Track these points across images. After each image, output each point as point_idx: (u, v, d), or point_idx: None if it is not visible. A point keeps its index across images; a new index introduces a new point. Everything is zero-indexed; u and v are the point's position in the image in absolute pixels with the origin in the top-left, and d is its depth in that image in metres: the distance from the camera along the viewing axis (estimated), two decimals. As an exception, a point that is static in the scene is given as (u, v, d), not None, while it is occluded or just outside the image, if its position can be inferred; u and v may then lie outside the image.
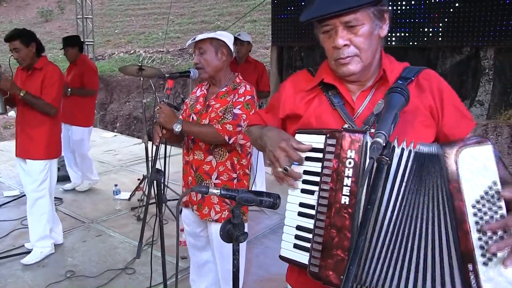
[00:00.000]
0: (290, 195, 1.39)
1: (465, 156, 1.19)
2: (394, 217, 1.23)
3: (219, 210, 2.56)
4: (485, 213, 1.17)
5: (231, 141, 2.44)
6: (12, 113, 11.98)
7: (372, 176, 1.11)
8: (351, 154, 1.27)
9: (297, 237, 1.37)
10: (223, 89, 2.56)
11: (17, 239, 4.24)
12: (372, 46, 1.36)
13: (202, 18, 17.23)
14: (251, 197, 1.40)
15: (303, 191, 1.36)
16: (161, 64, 13.19)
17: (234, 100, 2.48)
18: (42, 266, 3.75)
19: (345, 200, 1.27)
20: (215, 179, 2.56)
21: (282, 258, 1.42)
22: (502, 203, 1.16)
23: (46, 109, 3.61)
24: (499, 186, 1.16)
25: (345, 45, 1.33)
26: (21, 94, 3.47)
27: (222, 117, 2.47)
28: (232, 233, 1.39)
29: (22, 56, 3.63)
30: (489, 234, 1.16)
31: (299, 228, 1.36)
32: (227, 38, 2.57)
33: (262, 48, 12.62)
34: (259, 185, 5.25)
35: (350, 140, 1.28)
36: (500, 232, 1.15)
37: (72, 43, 5.32)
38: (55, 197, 4.13)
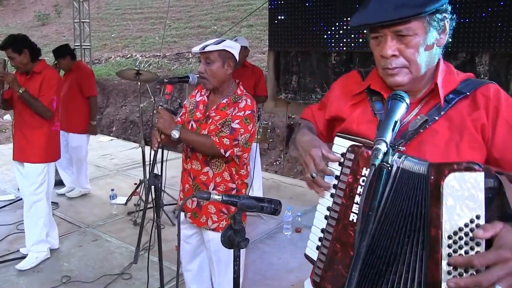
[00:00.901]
0: (321, 197, 1.39)
1: (451, 181, 1.09)
2: (372, 232, 1.19)
3: (216, 220, 2.56)
4: (460, 247, 1.07)
5: (227, 154, 2.43)
6: (7, 117, 11.95)
7: (372, 182, 1.09)
8: (365, 172, 1.25)
9: (320, 239, 1.37)
10: (224, 101, 2.54)
11: (12, 244, 4.22)
12: (424, 57, 1.27)
13: (198, 22, 17.26)
14: (252, 203, 1.41)
15: (333, 195, 1.35)
16: (157, 68, 13.20)
17: (233, 114, 2.46)
18: (38, 271, 3.72)
19: (353, 217, 1.26)
20: (212, 190, 2.55)
21: (306, 256, 1.43)
22: (482, 240, 1.05)
23: (42, 112, 3.61)
24: (482, 221, 1.05)
25: (394, 55, 1.26)
26: (20, 91, 3.46)
27: (220, 129, 2.46)
28: (233, 239, 1.39)
29: (16, 63, 3.65)
30: (460, 270, 1.06)
31: (323, 231, 1.36)
32: (235, 50, 2.52)
33: (259, 53, 12.64)
34: (256, 189, 5.25)
35: (366, 157, 1.25)
36: (471, 270, 1.05)
37: (62, 54, 5.26)
38: (51, 202, 4.11)
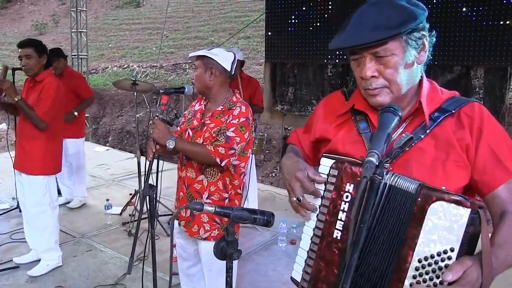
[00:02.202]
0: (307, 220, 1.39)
1: (437, 209, 1.10)
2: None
3: (208, 229, 2.56)
4: (426, 272, 1.10)
5: (223, 164, 2.43)
6: (3, 125, 11.92)
7: (365, 195, 1.09)
8: (349, 188, 1.24)
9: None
10: (219, 108, 2.56)
11: (5, 253, 4.18)
12: (404, 76, 1.27)
13: (196, 33, 17.35)
14: (245, 215, 1.41)
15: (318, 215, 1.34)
16: (154, 78, 13.23)
17: (228, 121, 2.47)
18: (31, 281, 3.69)
19: (337, 234, 1.26)
20: (206, 199, 2.55)
21: (292, 279, 1.42)
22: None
23: (36, 122, 3.55)
24: (454, 254, 1.07)
25: (373, 76, 1.27)
26: (16, 99, 3.45)
27: (216, 138, 2.46)
28: (226, 250, 1.39)
29: (31, 64, 3.62)
30: None
31: (309, 251, 1.35)
32: (220, 57, 2.54)
33: (256, 64, 12.70)
34: (252, 201, 5.24)
35: (350, 173, 1.25)
36: None
37: (64, 54, 5.28)
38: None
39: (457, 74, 4.99)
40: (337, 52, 5.71)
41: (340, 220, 1.25)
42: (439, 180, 1.23)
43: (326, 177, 1.32)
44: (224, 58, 2.56)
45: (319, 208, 1.31)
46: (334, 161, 1.31)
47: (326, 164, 1.35)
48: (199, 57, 2.55)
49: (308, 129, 1.63)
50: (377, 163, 1.08)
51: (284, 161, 1.50)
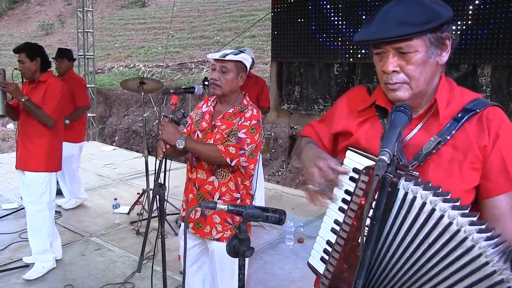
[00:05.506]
0: (329, 209, 1.39)
1: None
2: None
3: (221, 229, 2.56)
4: None
5: (233, 163, 2.44)
6: (10, 126, 12.00)
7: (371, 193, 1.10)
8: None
9: (325, 251, 1.38)
10: (230, 110, 2.57)
11: (15, 252, 4.23)
12: (425, 74, 1.29)
13: (201, 33, 17.38)
14: (257, 213, 1.42)
15: (341, 209, 1.35)
16: (160, 78, 13.26)
17: (239, 123, 2.48)
18: (40, 280, 3.73)
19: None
20: (217, 199, 2.55)
21: (309, 265, 1.44)
22: None
23: (45, 120, 3.62)
24: None
25: (394, 71, 1.29)
26: (23, 100, 3.51)
27: (227, 139, 2.48)
28: (239, 248, 1.40)
29: (24, 69, 3.71)
30: None
31: (328, 243, 1.37)
32: (249, 63, 2.59)
33: (261, 63, 12.70)
34: (258, 199, 5.25)
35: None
36: None
37: (68, 55, 5.27)
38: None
39: (463, 72, 4.97)
40: (343, 51, 5.72)
41: (367, 226, 1.23)
42: (454, 181, 1.24)
43: (352, 173, 1.31)
44: (249, 63, 2.61)
45: (347, 209, 1.31)
46: (362, 158, 1.31)
47: (351, 157, 1.36)
48: (234, 61, 2.53)
49: (328, 121, 1.63)
50: (388, 162, 1.08)
51: (305, 151, 1.51)
